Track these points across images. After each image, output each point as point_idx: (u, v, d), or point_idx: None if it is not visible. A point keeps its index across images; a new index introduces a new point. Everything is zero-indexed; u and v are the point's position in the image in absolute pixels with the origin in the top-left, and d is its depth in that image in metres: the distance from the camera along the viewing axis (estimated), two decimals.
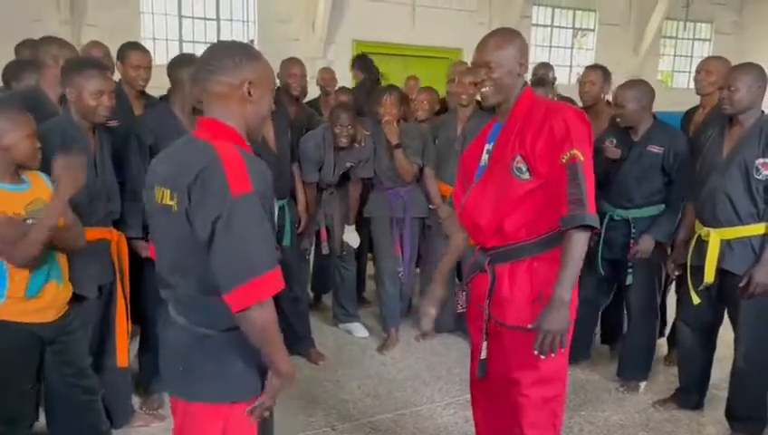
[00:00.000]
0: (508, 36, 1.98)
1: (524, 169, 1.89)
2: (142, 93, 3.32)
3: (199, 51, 4.93)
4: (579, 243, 1.83)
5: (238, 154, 1.41)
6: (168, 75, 2.94)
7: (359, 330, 4.03)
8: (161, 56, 6.56)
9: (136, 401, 2.99)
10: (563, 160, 1.82)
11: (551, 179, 1.86)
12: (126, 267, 2.63)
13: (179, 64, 2.91)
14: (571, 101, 3.93)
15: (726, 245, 2.73)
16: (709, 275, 2.76)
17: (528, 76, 4.68)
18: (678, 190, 3.11)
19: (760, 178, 2.64)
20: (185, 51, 7.37)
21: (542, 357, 1.82)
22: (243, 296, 1.37)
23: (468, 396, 3.17)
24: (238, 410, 1.52)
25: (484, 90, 1.98)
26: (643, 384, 3.32)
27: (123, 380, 2.75)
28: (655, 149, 3.11)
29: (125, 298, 2.61)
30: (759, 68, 2.74)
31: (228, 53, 1.49)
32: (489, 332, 2.03)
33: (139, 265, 2.93)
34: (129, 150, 2.84)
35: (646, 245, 3.14)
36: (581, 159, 1.81)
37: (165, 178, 1.47)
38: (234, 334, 1.46)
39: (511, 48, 1.95)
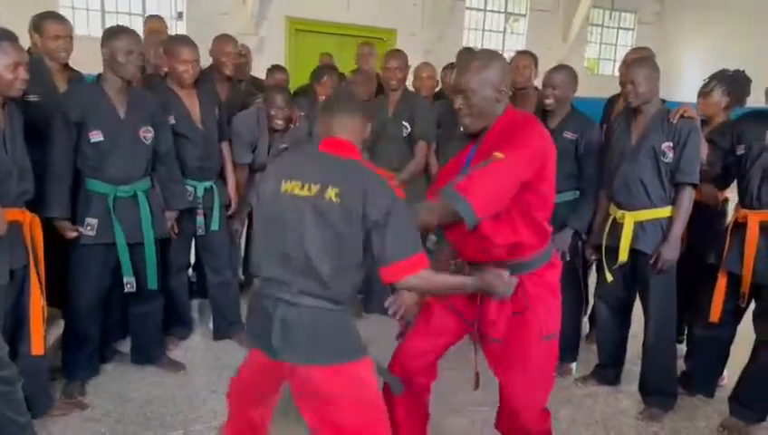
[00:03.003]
0: (486, 61, 1.93)
1: None
2: (66, 67, 3.13)
3: (123, 22, 4.73)
4: (436, 209, 1.84)
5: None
6: (102, 48, 2.79)
7: None
8: (81, 28, 6.22)
9: (57, 389, 2.87)
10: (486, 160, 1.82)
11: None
12: (40, 250, 2.49)
13: (112, 36, 2.78)
14: None
15: (639, 226, 2.89)
16: (623, 255, 2.92)
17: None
18: (591, 178, 3.19)
19: (667, 160, 2.81)
20: (108, 22, 7.02)
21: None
22: (401, 270, 1.74)
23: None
24: (359, 366, 1.83)
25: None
26: (574, 365, 3.45)
27: (39, 367, 2.62)
28: (569, 135, 3.19)
29: (40, 283, 2.47)
30: (653, 60, 2.94)
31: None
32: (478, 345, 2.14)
33: (63, 248, 2.80)
34: (53, 128, 2.69)
35: (566, 238, 3.19)
36: (499, 156, 1.79)
37: (320, 175, 1.79)
38: (345, 308, 1.84)
39: (489, 72, 1.91)
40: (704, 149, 2.90)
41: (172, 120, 3.18)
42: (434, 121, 3.71)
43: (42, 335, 2.49)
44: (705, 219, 3.10)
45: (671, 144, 2.79)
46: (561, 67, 3.32)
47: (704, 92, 3.24)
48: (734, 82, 3.23)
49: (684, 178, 2.80)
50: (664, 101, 2.95)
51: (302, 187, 1.79)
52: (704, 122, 3.20)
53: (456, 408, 2.98)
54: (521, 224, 1.94)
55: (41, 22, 2.98)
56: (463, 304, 2.12)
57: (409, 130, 3.69)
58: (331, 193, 1.75)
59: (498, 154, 1.78)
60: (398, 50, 3.89)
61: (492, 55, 1.96)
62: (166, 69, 3.47)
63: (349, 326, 1.86)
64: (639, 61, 2.93)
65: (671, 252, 2.83)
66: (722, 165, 3.01)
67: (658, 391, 3.02)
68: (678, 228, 2.83)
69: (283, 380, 1.92)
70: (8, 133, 2.34)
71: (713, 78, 3.24)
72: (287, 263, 1.81)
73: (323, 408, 1.83)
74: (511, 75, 2.03)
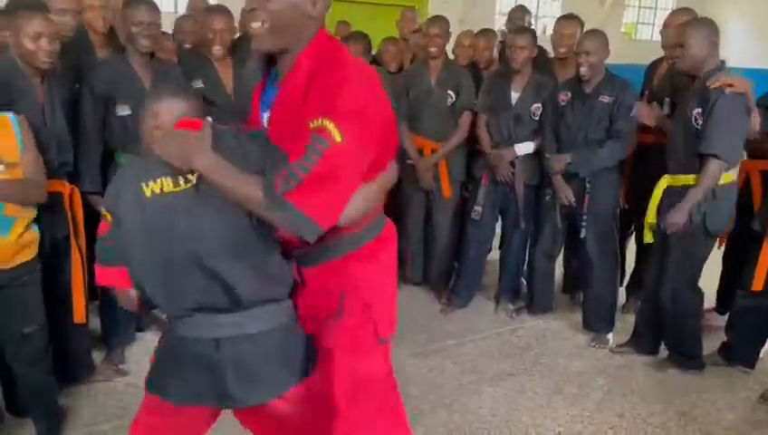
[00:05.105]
0: None
1: None
2: (110, 39, 3.14)
3: None
4: (262, 207, 1.35)
5: None
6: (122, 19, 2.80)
7: None
8: None
9: (99, 356, 2.96)
10: (311, 126, 1.32)
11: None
12: (81, 221, 2.54)
13: (125, 6, 2.75)
14: (544, 51, 3.85)
15: (669, 191, 2.88)
16: (651, 216, 2.94)
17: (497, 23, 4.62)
18: (618, 133, 3.14)
19: (698, 127, 2.73)
20: None
21: None
22: None
23: (433, 346, 3.25)
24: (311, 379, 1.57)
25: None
26: (611, 336, 3.38)
27: (82, 335, 2.70)
28: (605, 98, 3.14)
29: (81, 253, 2.53)
30: (709, 23, 2.78)
31: None
32: None
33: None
34: (83, 102, 2.72)
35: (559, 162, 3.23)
36: (336, 139, 1.30)
37: None
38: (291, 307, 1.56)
39: None
40: (755, 121, 2.78)
41: (200, 84, 3.17)
42: (482, 91, 3.61)
43: (83, 304, 2.55)
44: None
45: (701, 110, 2.70)
46: (592, 32, 3.24)
47: None
48: None
49: (704, 148, 2.70)
50: (723, 63, 2.79)
51: (175, 182, 1.42)
52: None
53: (490, 378, 2.98)
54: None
55: None
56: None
57: (454, 99, 3.62)
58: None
59: (332, 129, 1.30)
60: (440, 16, 3.77)
61: None
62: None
63: (299, 326, 1.58)
64: (694, 22, 2.80)
65: (678, 216, 2.78)
66: None
67: (682, 354, 3.04)
68: (692, 196, 2.76)
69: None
70: (48, 106, 2.38)
71: None
72: (202, 284, 1.43)
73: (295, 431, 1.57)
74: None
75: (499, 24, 9.32)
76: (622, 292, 3.72)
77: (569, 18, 3.69)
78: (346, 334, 1.55)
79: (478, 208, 3.60)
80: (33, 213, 2.16)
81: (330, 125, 1.30)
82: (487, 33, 4.09)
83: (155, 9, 2.77)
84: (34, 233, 2.19)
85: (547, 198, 3.41)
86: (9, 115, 2.08)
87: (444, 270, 3.93)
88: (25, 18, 2.23)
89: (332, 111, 1.30)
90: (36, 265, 2.23)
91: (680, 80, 3.25)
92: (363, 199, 1.44)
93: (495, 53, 4.10)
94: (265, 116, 1.50)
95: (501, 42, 4.30)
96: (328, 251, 1.53)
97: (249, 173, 1.35)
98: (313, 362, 1.57)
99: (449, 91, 3.61)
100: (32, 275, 2.21)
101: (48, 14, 2.30)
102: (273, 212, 1.32)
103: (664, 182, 2.89)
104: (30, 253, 2.18)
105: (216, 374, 1.46)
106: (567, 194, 3.27)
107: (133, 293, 1.55)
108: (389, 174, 1.54)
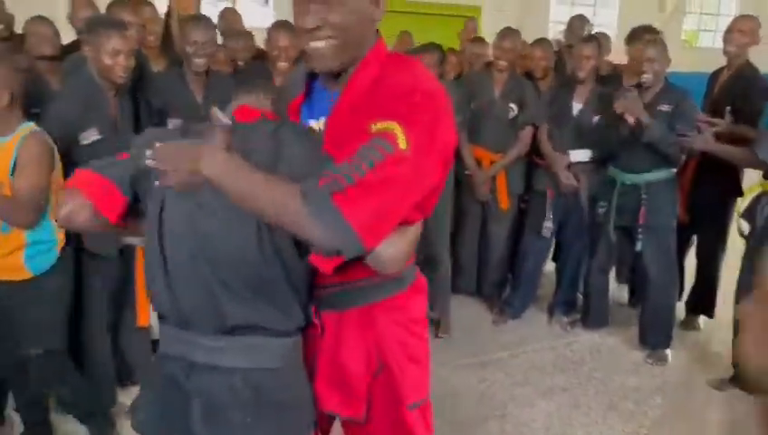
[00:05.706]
0: None
1: None
2: (165, 50, 3.25)
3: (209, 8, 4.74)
4: (288, 204, 1.08)
5: None
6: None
7: None
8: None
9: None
10: (373, 129, 1.11)
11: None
12: None
13: (183, 25, 2.85)
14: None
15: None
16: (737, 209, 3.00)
17: (547, 30, 4.56)
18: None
19: None
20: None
21: None
22: None
23: (485, 357, 3.24)
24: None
25: (318, 44, 1.18)
26: (669, 352, 3.28)
27: (143, 338, 2.79)
28: (664, 107, 3.08)
29: None
30: None
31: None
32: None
33: None
34: (141, 114, 2.79)
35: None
36: (401, 145, 1.08)
37: None
38: (296, 346, 1.32)
39: None
40: None
41: None
42: (543, 102, 3.59)
43: (148, 308, 2.63)
44: None
45: None
46: (654, 40, 3.21)
47: None
48: None
49: (757, 148, 2.77)
50: None
51: None
52: None
53: (543, 391, 2.95)
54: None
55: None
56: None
57: (516, 112, 3.61)
58: None
59: (399, 134, 1.09)
60: (512, 29, 3.77)
61: None
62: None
63: (302, 382, 1.33)
64: None
65: (701, 139, 2.93)
66: None
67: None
68: (723, 149, 2.94)
69: None
70: (119, 121, 2.49)
71: None
72: (193, 289, 1.23)
73: None
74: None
75: (553, 32, 9.21)
76: (681, 307, 3.63)
77: (648, 30, 3.69)
78: (378, 395, 1.38)
79: (549, 225, 3.55)
80: (19, 239, 2.10)
81: (397, 129, 1.08)
82: (543, 42, 4.06)
83: (210, 27, 2.82)
84: (19, 260, 2.12)
85: (601, 210, 3.35)
86: (26, 131, 2.08)
87: (498, 280, 3.91)
88: (104, 36, 2.35)
89: (402, 115, 1.10)
90: (36, 288, 2.16)
91: (741, 88, 3.17)
92: (408, 241, 1.20)
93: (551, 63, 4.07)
94: (310, 124, 1.33)
95: (556, 51, 4.26)
96: (356, 295, 1.32)
97: (283, 180, 1.12)
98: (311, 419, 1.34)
99: (511, 105, 3.59)
100: (27, 295, 2.16)
101: (125, 31, 2.41)
102: (314, 219, 1.05)
103: (757, 187, 2.85)
104: (18, 275, 2.13)
105: (182, 406, 1.25)
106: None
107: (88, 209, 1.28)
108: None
